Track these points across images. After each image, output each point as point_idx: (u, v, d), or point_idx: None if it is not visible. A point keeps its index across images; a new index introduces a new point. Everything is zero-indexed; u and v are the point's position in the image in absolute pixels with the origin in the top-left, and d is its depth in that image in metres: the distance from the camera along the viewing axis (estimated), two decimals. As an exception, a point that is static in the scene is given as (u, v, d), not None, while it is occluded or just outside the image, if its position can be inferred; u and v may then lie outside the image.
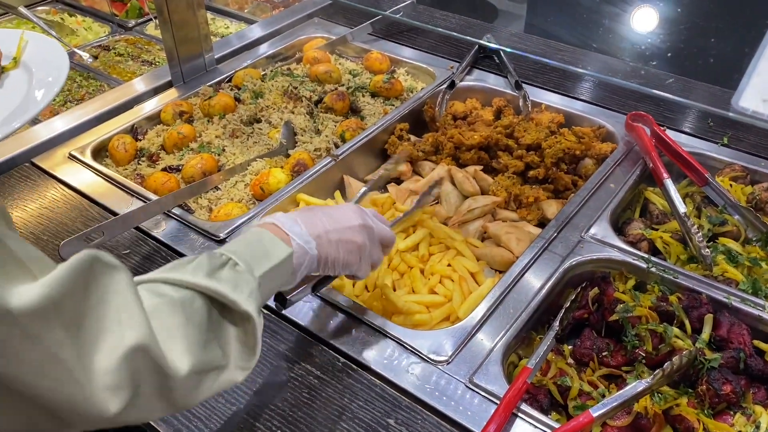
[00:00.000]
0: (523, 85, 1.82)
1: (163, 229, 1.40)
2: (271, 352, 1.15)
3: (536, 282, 1.26)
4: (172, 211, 1.43)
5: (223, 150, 1.66)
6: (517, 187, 1.49)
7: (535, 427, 1.03)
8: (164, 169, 1.59)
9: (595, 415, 1.01)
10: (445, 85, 1.83)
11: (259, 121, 1.77)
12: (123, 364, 0.66)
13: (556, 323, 1.18)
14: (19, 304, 0.59)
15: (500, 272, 1.35)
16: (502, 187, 1.48)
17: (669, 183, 1.40)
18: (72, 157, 1.62)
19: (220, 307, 0.82)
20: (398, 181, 1.64)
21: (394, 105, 1.82)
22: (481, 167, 1.56)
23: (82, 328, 0.64)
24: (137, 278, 0.81)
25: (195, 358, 0.75)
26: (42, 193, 1.54)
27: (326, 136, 1.68)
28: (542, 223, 1.47)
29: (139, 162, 1.66)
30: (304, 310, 1.21)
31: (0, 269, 0.60)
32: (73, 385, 0.63)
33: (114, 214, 1.45)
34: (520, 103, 1.77)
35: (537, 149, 1.58)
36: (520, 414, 1.05)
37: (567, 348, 1.22)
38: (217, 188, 1.54)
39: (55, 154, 1.64)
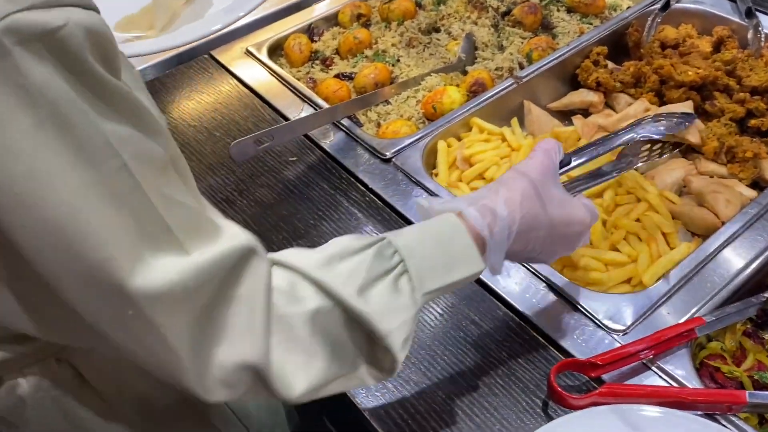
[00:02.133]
0: (757, 14, 1.51)
1: (330, 140, 1.35)
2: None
3: (743, 256, 1.07)
4: (341, 121, 1.37)
5: (398, 60, 1.55)
6: (733, 137, 1.26)
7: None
8: (336, 76, 1.53)
9: (749, 401, 0.86)
10: (657, 5, 1.56)
11: (438, 30, 1.64)
12: (235, 372, 0.63)
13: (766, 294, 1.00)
14: (141, 285, 0.53)
15: (699, 237, 1.16)
16: (714, 135, 1.26)
17: None
18: (248, 53, 1.60)
19: (360, 324, 0.70)
20: (585, 113, 1.45)
21: (592, 24, 1.60)
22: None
23: (210, 319, 0.61)
24: (286, 252, 0.71)
25: (312, 376, 0.67)
26: (217, 87, 1.54)
27: (510, 54, 1.52)
28: (757, 184, 1.24)
29: (313, 65, 1.60)
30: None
31: (136, 235, 0.53)
32: (182, 369, 0.61)
33: (284, 117, 1.42)
34: (749, 35, 1.48)
35: (764, 94, 1.32)
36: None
37: (769, 337, 1.04)
38: (387, 102, 1.46)
39: (232, 48, 1.63)
